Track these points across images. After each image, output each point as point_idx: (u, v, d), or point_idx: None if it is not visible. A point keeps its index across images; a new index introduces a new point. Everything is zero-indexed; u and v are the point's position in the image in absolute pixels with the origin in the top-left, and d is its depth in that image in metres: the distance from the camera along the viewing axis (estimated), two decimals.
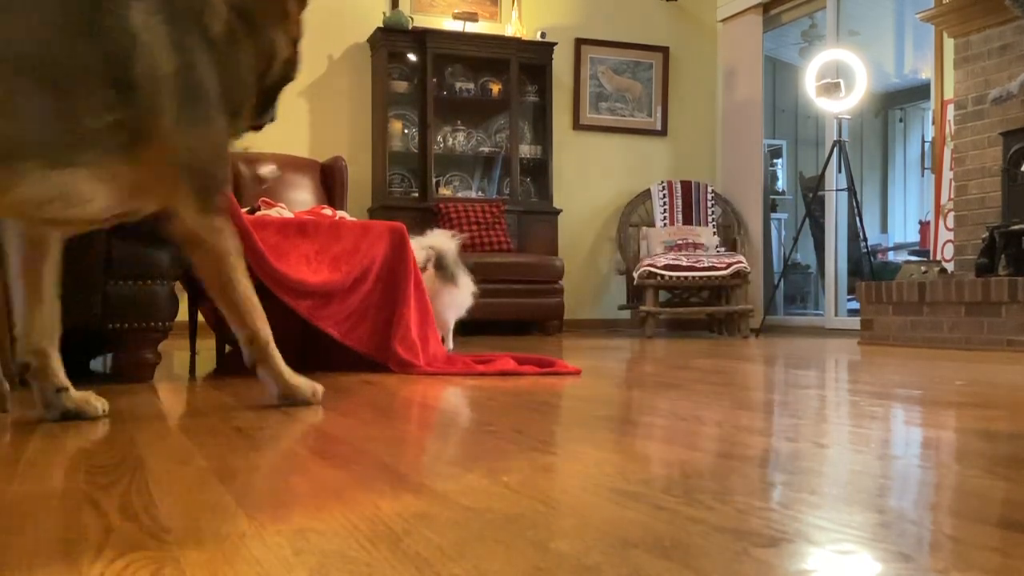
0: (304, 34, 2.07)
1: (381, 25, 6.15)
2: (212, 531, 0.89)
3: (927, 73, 6.64)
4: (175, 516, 0.96)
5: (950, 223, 5.29)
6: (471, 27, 6.36)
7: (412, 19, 6.26)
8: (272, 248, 2.79)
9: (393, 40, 6.15)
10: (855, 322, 5.35)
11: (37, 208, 1.53)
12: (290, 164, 5.60)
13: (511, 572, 0.76)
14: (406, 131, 6.34)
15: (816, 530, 0.90)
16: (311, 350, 3.27)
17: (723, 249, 6.29)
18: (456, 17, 6.40)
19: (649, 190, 6.71)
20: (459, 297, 3.90)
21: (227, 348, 3.51)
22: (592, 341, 5.07)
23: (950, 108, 5.29)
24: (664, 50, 7.07)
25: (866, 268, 5.94)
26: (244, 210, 3.08)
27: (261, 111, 2.02)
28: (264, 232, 2.79)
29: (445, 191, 6.43)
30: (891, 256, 8.24)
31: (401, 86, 6.32)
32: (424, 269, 3.74)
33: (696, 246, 6.19)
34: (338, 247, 2.93)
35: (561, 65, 6.69)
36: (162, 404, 2.05)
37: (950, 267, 5.11)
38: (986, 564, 0.78)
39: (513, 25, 6.49)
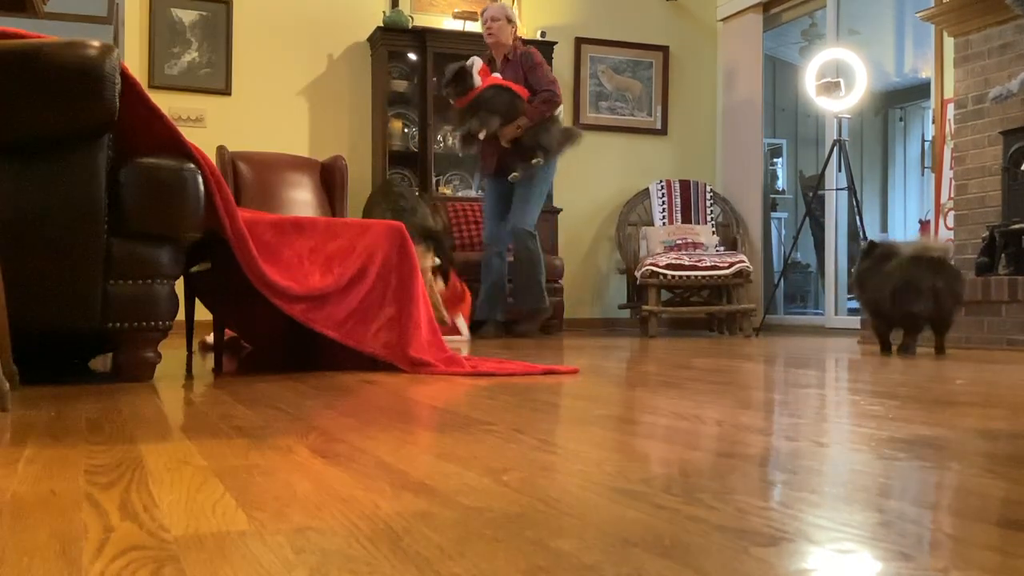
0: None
1: (381, 24, 6.15)
2: (212, 531, 0.89)
3: (927, 72, 6.64)
4: (175, 516, 0.96)
5: (950, 222, 5.29)
6: (471, 26, 6.36)
7: (412, 18, 6.26)
8: (265, 246, 2.77)
9: (393, 39, 6.15)
10: (855, 321, 5.35)
11: None
12: (290, 163, 5.60)
13: (511, 571, 0.76)
14: (406, 130, 6.34)
15: (816, 529, 0.90)
16: (312, 350, 3.27)
17: (723, 248, 6.29)
18: (456, 16, 6.40)
19: (648, 189, 6.72)
20: None
21: (225, 337, 3.51)
22: (592, 340, 5.07)
23: (950, 107, 5.29)
24: (664, 49, 7.07)
25: None
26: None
27: None
28: (258, 229, 2.78)
29: (445, 190, 6.43)
30: None
31: (401, 85, 6.32)
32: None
33: (696, 245, 6.19)
34: (333, 245, 2.92)
35: (561, 64, 6.69)
36: (162, 404, 2.05)
37: None
38: (986, 563, 0.78)
39: None
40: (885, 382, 2.56)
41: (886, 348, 3.96)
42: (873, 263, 3.89)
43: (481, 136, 5.23)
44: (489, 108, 5.21)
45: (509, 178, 5.37)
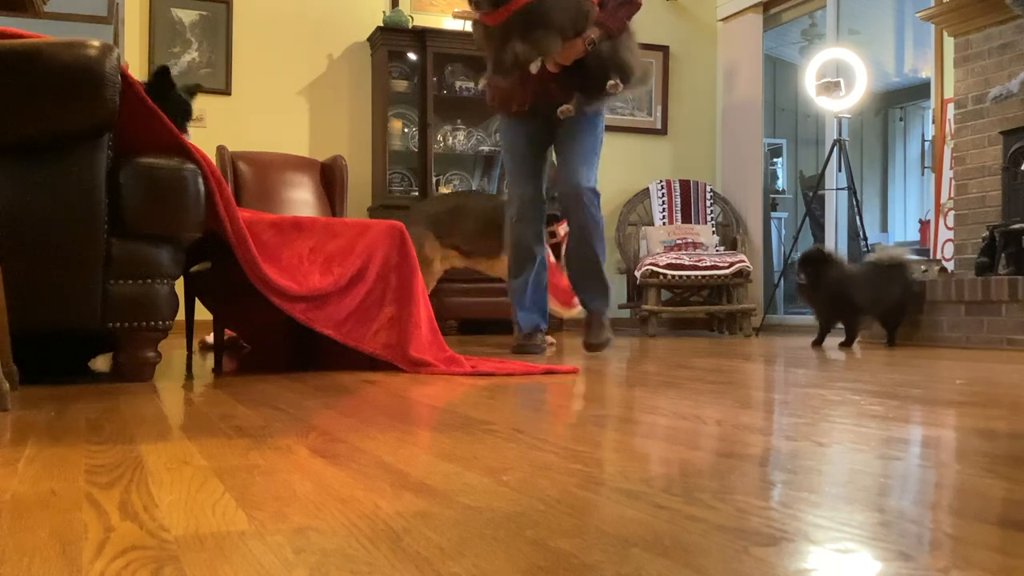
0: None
1: (381, 24, 6.15)
2: (212, 531, 0.89)
3: (927, 72, 6.64)
4: (175, 515, 0.96)
5: (950, 222, 5.29)
6: (471, 26, 6.35)
7: (412, 18, 6.26)
8: (264, 246, 2.77)
9: (393, 39, 6.15)
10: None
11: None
12: (290, 163, 5.60)
13: (511, 571, 0.76)
14: (406, 130, 6.34)
15: (816, 529, 0.90)
16: (312, 350, 3.27)
17: (723, 248, 6.30)
18: (456, 16, 6.37)
19: (648, 189, 6.71)
20: None
21: (225, 338, 3.50)
22: None
23: (950, 107, 5.29)
24: (664, 49, 7.07)
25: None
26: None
27: None
28: (257, 228, 2.78)
29: (445, 190, 6.43)
30: None
31: (401, 85, 6.32)
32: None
33: (696, 245, 6.19)
34: (333, 245, 2.92)
35: None
36: (162, 403, 2.05)
37: (950, 266, 5.11)
38: (986, 563, 0.78)
39: None
40: (885, 382, 2.56)
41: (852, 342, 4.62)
42: (839, 270, 4.53)
43: (534, 69, 3.55)
44: (545, 23, 3.48)
45: (560, 111, 3.68)
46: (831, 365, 3.30)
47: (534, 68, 3.55)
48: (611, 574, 0.75)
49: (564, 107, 3.66)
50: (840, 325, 4.60)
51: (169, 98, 3.15)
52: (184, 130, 3.22)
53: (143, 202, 2.47)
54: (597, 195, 3.77)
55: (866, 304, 4.46)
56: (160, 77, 3.12)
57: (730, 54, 7.01)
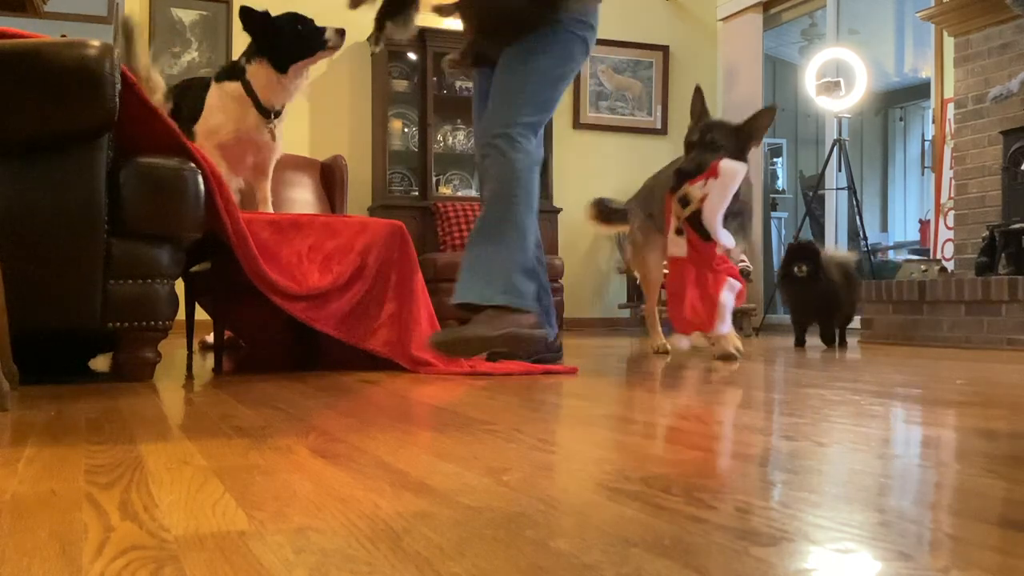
0: None
1: None
2: (212, 530, 0.89)
3: (927, 72, 6.64)
4: (175, 516, 0.96)
5: (950, 222, 5.29)
6: None
7: None
8: (262, 244, 2.77)
9: (393, 39, 6.15)
10: (855, 321, 5.35)
11: None
12: (290, 163, 5.60)
13: (511, 571, 0.76)
14: (406, 130, 6.34)
15: (816, 529, 0.90)
16: (312, 350, 3.27)
17: None
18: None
19: None
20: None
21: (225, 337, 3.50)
22: (592, 340, 5.07)
23: (950, 107, 5.29)
24: (664, 49, 7.07)
25: (866, 267, 5.95)
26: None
27: None
28: (255, 227, 2.78)
29: (445, 190, 6.44)
30: (891, 255, 8.25)
31: (401, 85, 6.32)
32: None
33: None
34: (332, 243, 2.91)
35: None
36: (162, 403, 2.05)
37: (950, 266, 5.12)
38: (987, 563, 0.78)
39: None
40: (885, 382, 2.56)
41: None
42: (825, 267, 4.45)
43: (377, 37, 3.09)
44: None
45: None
46: (831, 365, 3.30)
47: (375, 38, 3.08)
48: (611, 574, 0.75)
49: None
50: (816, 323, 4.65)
51: (273, 23, 3.19)
52: (323, 46, 3.23)
53: (143, 202, 2.47)
54: (504, 136, 2.70)
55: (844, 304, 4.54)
56: (248, 12, 3.18)
57: (730, 54, 7.01)
